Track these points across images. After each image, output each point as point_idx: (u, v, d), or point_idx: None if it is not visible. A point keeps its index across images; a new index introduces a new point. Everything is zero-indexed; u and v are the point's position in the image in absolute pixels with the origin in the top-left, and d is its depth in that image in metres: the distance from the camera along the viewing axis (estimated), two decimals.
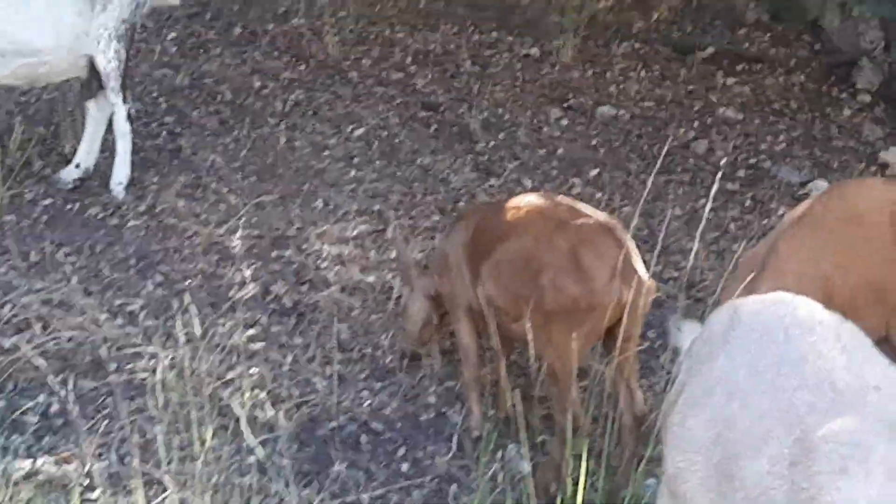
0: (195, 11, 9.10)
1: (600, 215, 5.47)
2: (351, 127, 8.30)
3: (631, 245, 5.32)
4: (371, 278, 6.72)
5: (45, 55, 6.79)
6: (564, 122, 8.93)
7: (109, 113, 7.10)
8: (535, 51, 9.81)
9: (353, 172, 7.79)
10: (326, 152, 7.96)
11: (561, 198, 5.74)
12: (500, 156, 8.30)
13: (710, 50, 10.18)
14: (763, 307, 4.11)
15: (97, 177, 7.17)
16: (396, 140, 8.26)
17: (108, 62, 6.93)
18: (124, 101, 7.03)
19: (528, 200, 5.69)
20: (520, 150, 8.42)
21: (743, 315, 4.09)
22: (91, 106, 7.16)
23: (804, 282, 4.94)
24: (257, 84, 8.61)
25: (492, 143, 8.44)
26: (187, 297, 5.84)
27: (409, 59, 9.38)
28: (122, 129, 7.07)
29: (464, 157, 8.19)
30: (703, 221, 5.68)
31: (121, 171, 7.09)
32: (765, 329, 3.97)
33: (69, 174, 7.12)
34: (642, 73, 9.79)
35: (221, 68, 8.72)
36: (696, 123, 9.19)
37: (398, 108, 8.64)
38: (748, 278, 5.19)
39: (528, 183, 7.99)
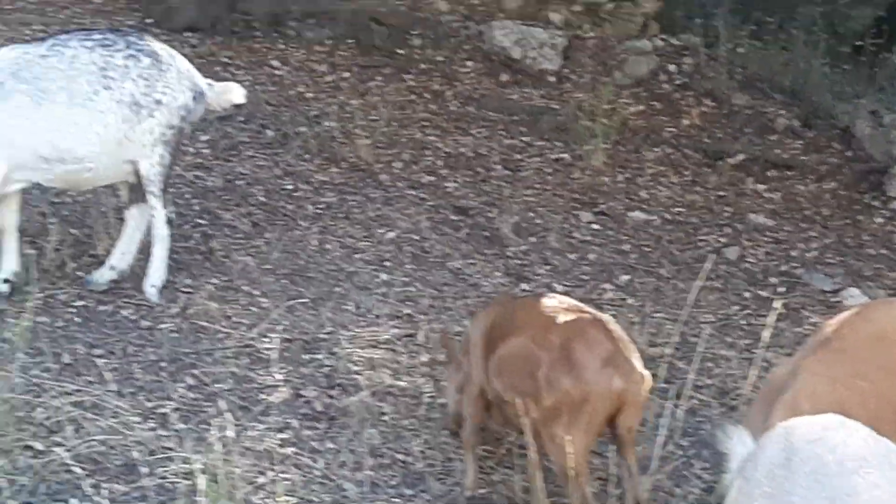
0: (228, 114, 9.13)
1: (595, 312, 5.60)
2: (382, 230, 8.32)
3: (624, 337, 5.44)
4: (402, 383, 6.70)
5: (87, 162, 6.81)
6: (595, 226, 8.94)
7: (150, 218, 7.11)
8: (565, 155, 9.86)
9: (383, 276, 7.79)
10: (357, 255, 7.97)
11: (563, 298, 5.84)
12: (531, 260, 8.31)
13: (741, 156, 10.21)
14: (816, 436, 4.06)
15: (130, 279, 7.17)
16: (427, 243, 8.27)
17: (152, 167, 6.93)
18: (164, 205, 7.04)
19: (537, 301, 5.82)
20: (551, 254, 8.42)
21: (797, 444, 4.05)
22: (134, 210, 7.17)
23: (819, 408, 4.81)
24: (289, 186, 8.65)
25: (523, 247, 8.45)
26: (220, 401, 5.85)
27: (439, 163, 9.42)
28: (161, 233, 7.07)
29: (494, 262, 8.20)
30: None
31: (156, 275, 7.09)
32: (818, 462, 3.94)
33: (102, 276, 7.13)
34: (673, 179, 9.83)
35: (254, 170, 8.76)
36: (727, 229, 9.20)
37: (429, 211, 8.67)
38: (767, 403, 5.14)
39: (558, 287, 7.98)
